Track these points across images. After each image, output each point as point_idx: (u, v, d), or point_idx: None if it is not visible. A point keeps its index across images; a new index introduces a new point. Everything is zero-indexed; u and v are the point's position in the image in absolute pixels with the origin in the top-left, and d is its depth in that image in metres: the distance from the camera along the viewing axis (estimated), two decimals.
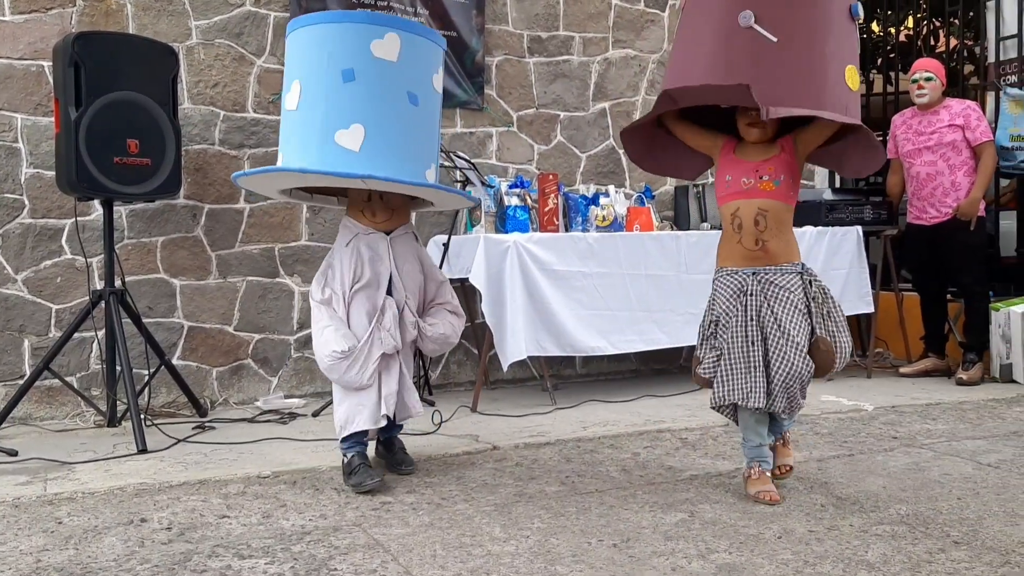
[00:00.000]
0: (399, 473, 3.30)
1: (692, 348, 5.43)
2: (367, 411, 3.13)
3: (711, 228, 5.25)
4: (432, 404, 4.46)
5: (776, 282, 2.90)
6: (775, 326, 2.87)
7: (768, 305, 2.89)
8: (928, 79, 5.19)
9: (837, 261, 5.25)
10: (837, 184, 6.33)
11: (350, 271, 3.15)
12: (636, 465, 3.39)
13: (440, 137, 3.23)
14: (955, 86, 6.41)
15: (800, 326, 2.87)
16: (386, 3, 4.92)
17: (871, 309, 5.38)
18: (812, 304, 2.92)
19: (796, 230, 5.14)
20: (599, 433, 3.88)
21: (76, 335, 4.10)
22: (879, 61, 7.53)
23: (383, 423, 3.19)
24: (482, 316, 4.55)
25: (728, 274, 2.98)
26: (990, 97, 5.86)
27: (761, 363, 2.88)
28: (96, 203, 4.20)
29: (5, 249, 4.19)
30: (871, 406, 4.45)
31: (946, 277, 5.31)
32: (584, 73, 5.52)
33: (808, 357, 2.87)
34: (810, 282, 2.94)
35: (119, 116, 3.81)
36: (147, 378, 4.15)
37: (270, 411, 4.42)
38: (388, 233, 3.24)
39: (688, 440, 3.81)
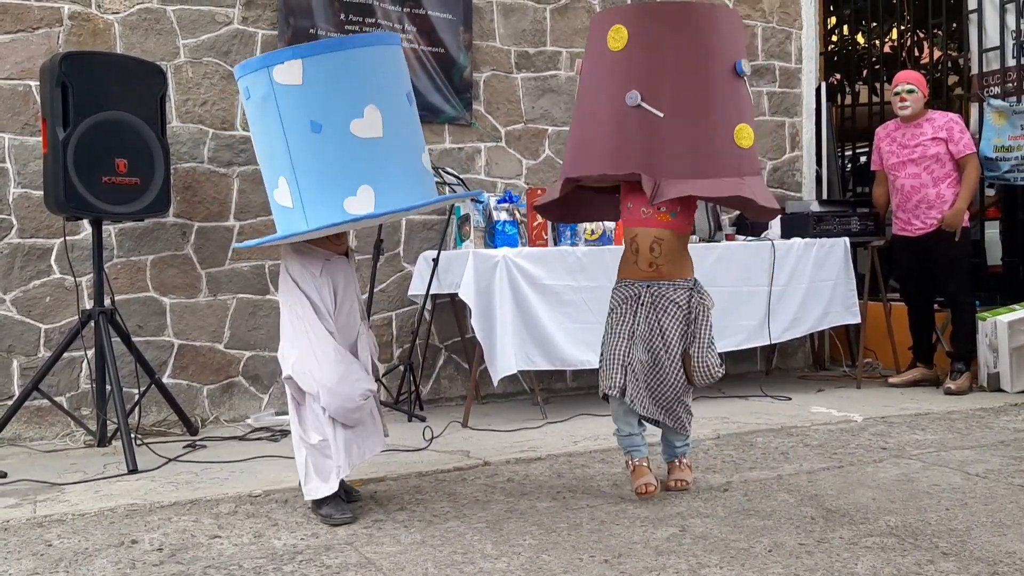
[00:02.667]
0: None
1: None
2: (342, 457, 2.96)
3: (699, 241, 5.27)
4: (423, 420, 4.46)
5: (666, 295, 3.16)
6: (659, 336, 3.14)
7: (656, 317, 3.15)
8: (910, 91, 5.23)
9: (824, 272, 5.29)
10: (824, 196, 6.37)
11: (332, 301, 3.01)
12: (627, 479, 3.38)
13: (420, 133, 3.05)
14: (939, 97, 6.46)
15: (677, 337, 3.14)
16: (373, 20, 4.95)
17: (858, 320, 5.41)
18: (692, 324, 3.17)
19: (784, 242, 5.21)
20: (590, 447, 3.88)
21: (65, 355, 4.08)
22: (864, 72, 7.59)
23: (347, 475, 3.05)
24: (472, 331, 4.55)
25: (625, 285, 3.23)
26: (974, 108, 5.91)
27: (639, 364, 3.13)
28: (85, 222, 4.19)
29: None
30: (860, 417, 4.47)
31: (933, 287, 5.35)
32: (572, 88, 5.54)
33: (681, 371, 3.15)
34: (692, 296, 3.19)
35: (107, 135, 3.82)
36: (137, 397, 4.14)
37: (261, 428, 4.42)
38: (347, 255, 3.16)
39: None
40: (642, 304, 3.16)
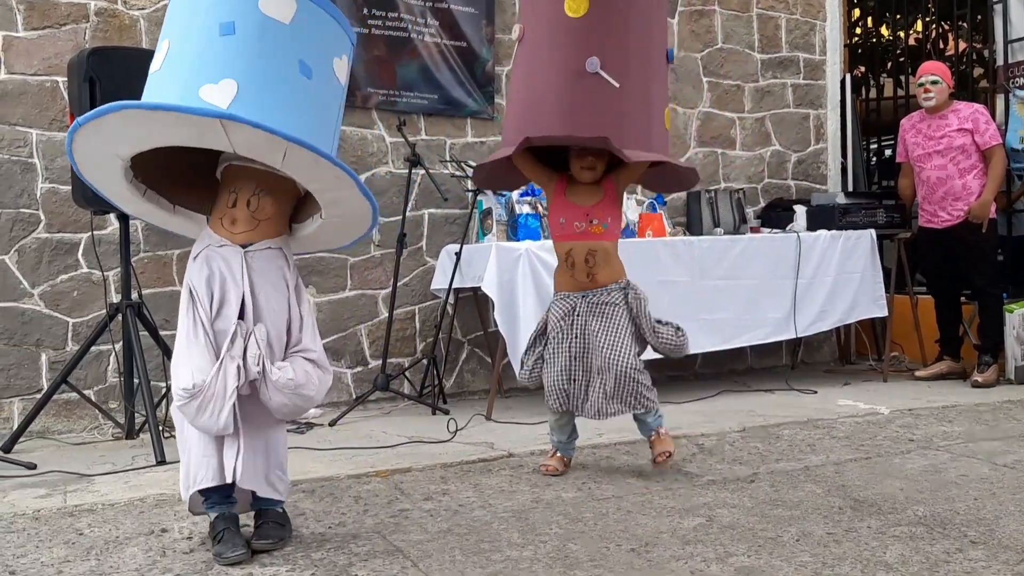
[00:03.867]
0: (251, 547, 2.57)
1: (707, 355, 5.46)
2: (214, 463, 2.55)
3: (724, 233, 5.25)
4: (447, 412, 4.47)
5: (602, 300, 3.31)
6: (603, 335, 3.27)
7: (596, 320, 3.29)
8: (934, 82, 5.19)
9: (851, 265, 5.25)
10: (850, 188, 6.32)
11: (206, 290, 2.56)
12: (653, 471, 3.38)
13: (338, 135, 2.69)
14: (965, 89, 6.40)
15: (625, 333, 3.28)
16: (396, 15, 4.96)
17: (885, 313, 5.37)
18: (633, 314, 3.33)
19: (810, 234, 5.18)
20: (615, 440, 3.88)
21: (93, 348, 4.12)
22: (888, 65, 7.53)
23: (228, 480, 2.55)
24: (495, 324, 4.56)
25: (561, 298, 3.37)
26: (1000, 99, 5.85)
27: (581, 375, 3.29)
28: (112, 217, 4.23)
29: (22, 264, 4.23)
30: (887, 409, 4.44)
31: (959, 280, 5.30)
32: None
33: (637, 356, 3.30)
34: (631, 294, 3.34)
35: None
36: (164, 390, 4.16)
37: (287, 421, 4.43)
38: (244, 247, 2.61)
39: (705, 446, 3.80)
40: (578, 315, 3.30)
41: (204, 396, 2.46)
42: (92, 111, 2.35)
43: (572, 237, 3.29)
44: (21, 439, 3.92)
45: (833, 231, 5.25)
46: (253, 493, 2.65)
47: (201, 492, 2.59)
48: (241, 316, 2.56)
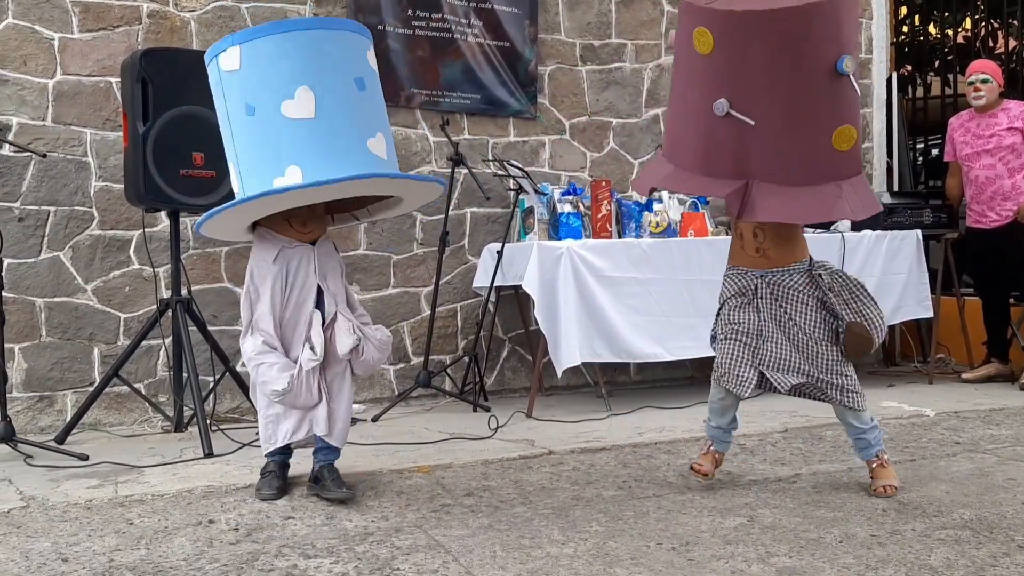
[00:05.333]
0: (329, 500, 3.04)
1: None
2: (290, 424, 3.05)
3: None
4: (488, 410, 4.50)
5: (784, 283, 3.03)
6: (794, 327, 3.02)
7: (783, 308, 3.04)
8: (984, 81, 5.11)
9: (896, 265, 5.19)
10: (896, 187, 6.24)
11: (281, 290, 3.02)
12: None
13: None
14: (1015, 87, 6.28)
15: (816, 322, 3.01)
16: (440, 15, 5.00)
17: (931, 314, 5.30)
18: (830, 295, 3.01)
19: (855, 234, 5.13)
20: (655, 439, 3.88)
21: (144, 343, 4.22)
22: (936, 63, 7.41)
23: (319, 432, 3.07)
24: (536, 323, 4.58)
25: (737, 273, 3.12)
26: None
27: (752, 358, 3.05)
28: (163, 214, 4.32)
29: (75, 260, 4.34)
30: (933, 412, 4.38)
31: (1008, 281, 5.21)
32: (636, 80, 5.54)
33: (833, 347, 3.00)
34: (819, 275, 3.04)
35: (185, 130, 3.92)
36: (212, 384, 4.25)
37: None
38: (313, 243, 3.10)
39: (746, 446, 3.79)
40: (762, 298, 3.04)
41: (296, 389, 2.96)
42: (203, 217, 2.87)
43: None
44: (74, 431, 4.02)
45: (878, 231, 5.19)
46: (316, 448, 3.15)
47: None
48: (318, 303, 3.04)
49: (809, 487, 3.14)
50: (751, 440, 3.89)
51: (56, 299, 4.30)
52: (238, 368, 4.45)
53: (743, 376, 3.04)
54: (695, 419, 4.32)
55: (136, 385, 4.28)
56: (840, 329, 3.01)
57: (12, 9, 4.22)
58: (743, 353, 3.05)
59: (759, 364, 3.05)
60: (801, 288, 3.02)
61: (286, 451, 3.17)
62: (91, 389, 4.18)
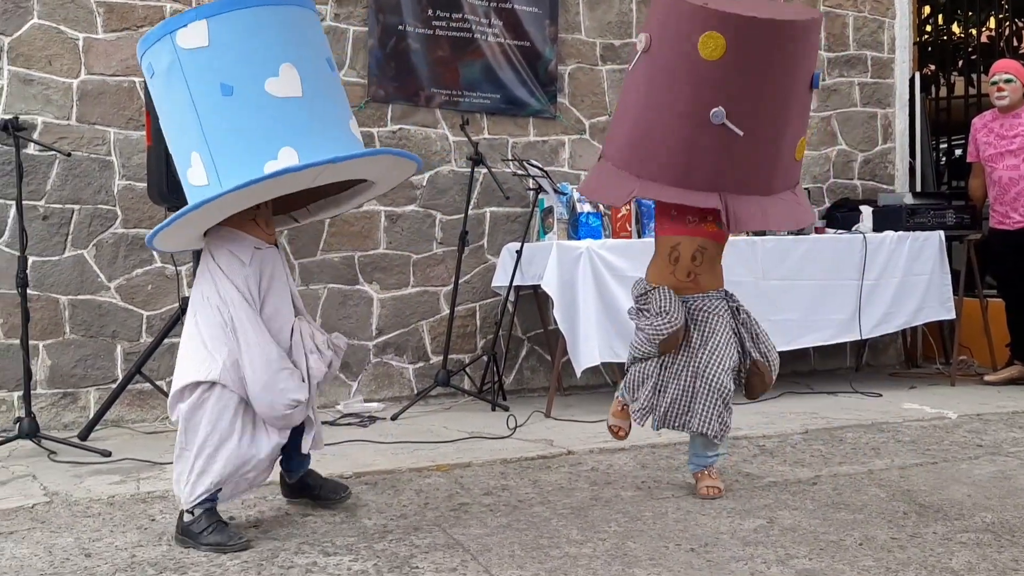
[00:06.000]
0: (331, 504, 2.95)
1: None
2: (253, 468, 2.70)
3: (788, 234, 5.19)
4: (506, 409, 4.51)
5: (704, 307, 3.02)
6: (702, 346, 2.99)
7: (697, 328, 3.01)
8: (1008, 81, 5.07)
9: (918, 266, 5.15)
10: (918, 188, 6.20)
11: (256, 296, 2.71)
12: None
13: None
14: None
15: (727, 345, 2.99)
16: (460, 15, 5.01)
17: (953, 315, 5.26)
18: (742, 328, 3.05)
19: (876, 235, 5.10)
20: (675, 439, 3.87)
21: (166, 341, 4.25)
22: (960, 63, 7.36)
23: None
24: (555, 323, 4.58)
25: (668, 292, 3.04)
26: None
27: (674, 388, 3.01)
28: None
29: (99, 258, 4.38)
30: (955, 414, 4.35)
31: None
32: None
33: (730, 375, 2.98)
34: (737, 308, 3.07)
35: None
36: None
37: (350, 414, 4.53)
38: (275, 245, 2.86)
39: (766, 447, 3.78)
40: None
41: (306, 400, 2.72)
42: (162, 224, 2.55)
43: (682, 231, 2.99)
44: (97, 427, 4.07)
45: (900, 232, 5.16)
46: (289, 461, 2.91)
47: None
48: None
49: (829, 489, 3.12)
50: (771, 441, 3.87)
51: (80, 297, 4.34)
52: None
53: (643, 405, 3.06)
54: None
55: (158, 382, 4.32)
56: (744, 366, 3.04)
57: (37, 10, 4.27)
58: (648, 386, 3.05)
59: (658, 402, 3.05)
60: (720, 312, 3.01)
61: (213, 497, 2.69)
62: (114, 386, 4.22)
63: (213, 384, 2.62)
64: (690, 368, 3.00)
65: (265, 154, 2.49)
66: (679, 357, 3.03)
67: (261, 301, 2.72)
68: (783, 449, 3.74)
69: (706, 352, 2.98)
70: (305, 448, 2.84)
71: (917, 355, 6.04)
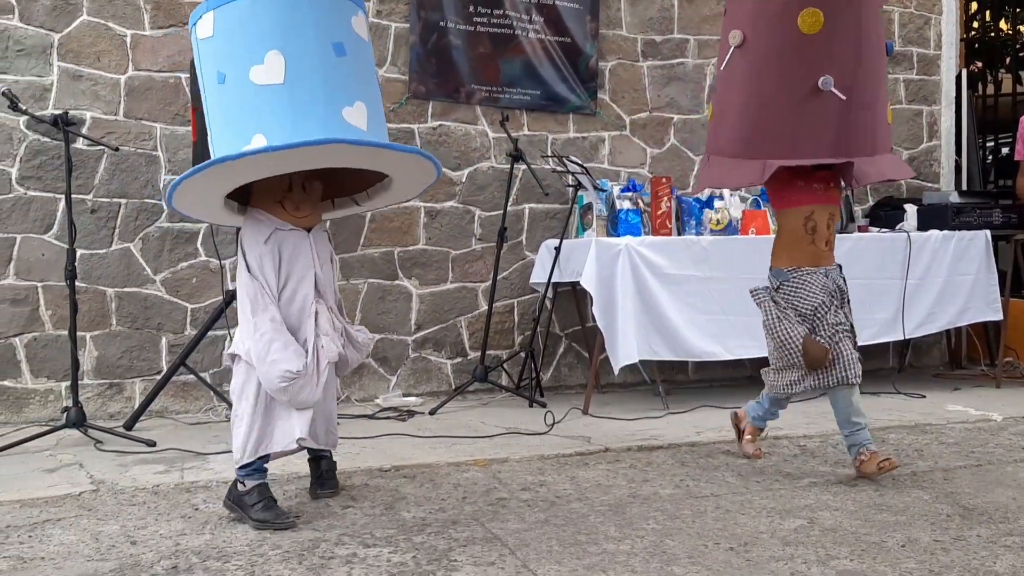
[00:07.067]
0: (315, 496, 3.01)
1: None
2: (280, 432, 2.79)
3: None
4: (544, 406, 4.51)
5: (838, 284, 3.24)
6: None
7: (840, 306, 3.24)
8: None
9: (963, 266, 5.07)
10: (964, 187, 6.10)
11: (274, 273, 2.79)
12: (752, 471, 3.36)
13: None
14: None
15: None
16: (501, 11, 5.02)
17: (999, 316, 5.17)
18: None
19: (921, 234, 5.03)
20: (714, 438, 3.85)
21: (209, 333, 4.32)
22: (1007, 60, 7.22)
23: (293, 448, 2.85)
24: (593, 319, 4.57)
25: (808, 273, 3.20)
26: None
27: (853, 344, 3.21)
28: None
29: (145, 251, 4.46)
30: (1000, 416, 4.28)
31: None
32: (699, 76, 5.50)
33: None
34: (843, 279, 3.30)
35: None
36: None
37: (389, 408, 4.56)
38: (308, 230, 2.88)
39: (807, 447, 3.75)
40: (834, 292, 3.21)
41: (306, 377, 2.72)
42: (174, 182, 2.58)
43: (813, 199, 3.18)
44: (141, 418, 4.14)
45: (945, 231, 5.08)
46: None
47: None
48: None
49: (871, 490, 3.09)
50: (812, 442, 3.84)
51: (126, 289, 4.42)
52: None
53: (858, 368, 3.19)
54: None
55: (202, 374, 4.38)
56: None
57: (87, 7, 4.35)
58: (850, 345, 3.18)
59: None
60: (846, 287, 3.26)
61: (264, 468, 2.84)
62: (159, 377, 4.29)
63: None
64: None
65: (241, 140, 2.57)
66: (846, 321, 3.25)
67: (282, 281, 2.80)
68: (824, 449, 3.71)
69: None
70: (297, 428, 2.77)
71: (962, 356, 5.95)
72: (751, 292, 3.36)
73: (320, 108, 2.59)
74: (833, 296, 3.20)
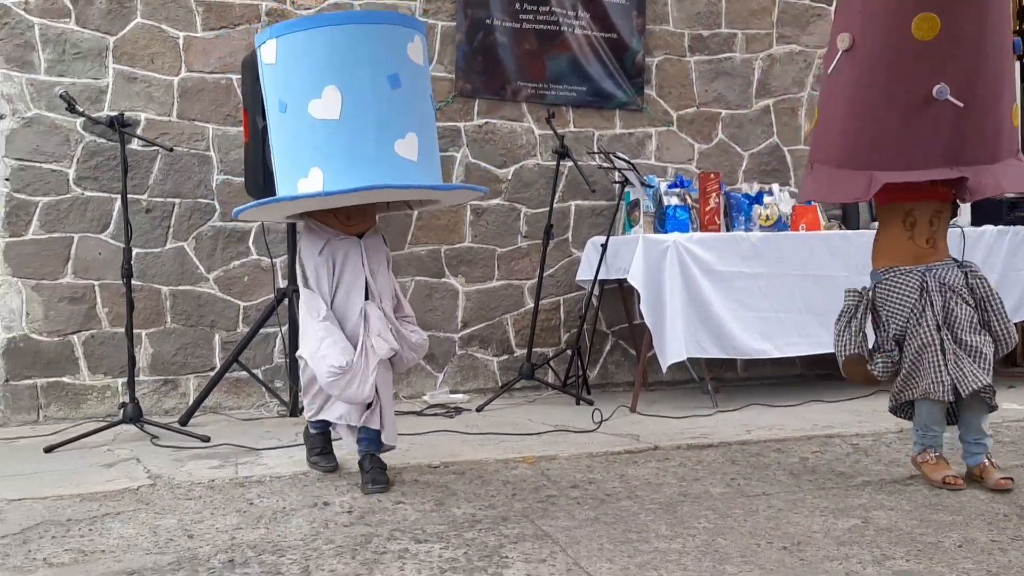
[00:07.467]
0: (367, 491, 3.05)
1: None
2: (342, 408, 3.07)
3: None
4: (591, 403, 4.51)
5: (947, 279, 3.03)
6: (956, 324, 3.00)
7: (947, 305, 3.01)
8: None
9: (1018, 262, 4.97)
10: None
11: (327, 279, 3.04)
12: (805, 470, 3.32)
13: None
14: None
15: (974, 319, 3.02)
16: (547, 8, 5.01)
17: None
18: (978, 299, 3.06)
19: (975, 229, 4.94)
20: (764, 437, 3.82)
21: (261, 330, 4.38)
22: None
23: (353, 422, 3.08)
24: (640, 316, 4.56)
25: (901, 274, 3.05)
26: None
27: (944, 360, 2.97)
28: None
29: (198, 250, 4.53)
30: None
31: None
32: (747, 70, 5.44)
33: (990, 341, 3.02)
34: (967, 274, 3.08)
35: None
36: None
37: (436, 405, 4.59)
38: (360, 236, 3.12)
39: (860, 446, 3.70)
40: (931, 291, 3.01)
41: (352, 372, 2.94)
42: (243, 207, 2.94)
43: (914, 196, 3.02)
44: (196, 413, 4.21)
45: (1000, 226, 4.98)
46: (360, 438, 3.14)
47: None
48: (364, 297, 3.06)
49: (926, 489, 3.04)
50: (864, 440, 3.79)
51: (180, 287, 4.50)
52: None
53: (945, 383, 2.97)
54: (805, 418, 4.23)
55: (254, 371, 4.45)
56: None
57: (140, 9, 4.43)
58: (939, 360, 2.98)
59: (949, 368, 2.98)
60: (961, 286, 3.03)
61: (324, 424, 3.25)
62: (212, 374, 4.37)
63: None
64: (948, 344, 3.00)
65: (299, 171, 2.77)
66: (940, 330, 3.00)
67: (336, 286, 3.04)
68: (877, 448, 3.66)
69: (961, 326, 3.00)
70: (366, 421, 3.06)
71: (1017, 354, 5.82)
72: (845, 292, 3.19)
73: (372, 146, 2.75)
74: (935, 295, 3.00)
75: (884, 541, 2.54)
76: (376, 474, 3.09)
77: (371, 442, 3.12)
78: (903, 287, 3.05)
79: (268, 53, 2.82)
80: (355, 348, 2.97)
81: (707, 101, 5.38)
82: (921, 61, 2.82)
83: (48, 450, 3.64)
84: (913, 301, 3.03)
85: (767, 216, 4.84)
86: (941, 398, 2.97)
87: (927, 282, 3.03)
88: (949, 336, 2.99)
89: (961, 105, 2.81)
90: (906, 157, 2.90)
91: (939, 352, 2.97)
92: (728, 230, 4.85)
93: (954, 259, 3.12)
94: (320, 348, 2.94)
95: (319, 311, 3.01)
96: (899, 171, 2.91)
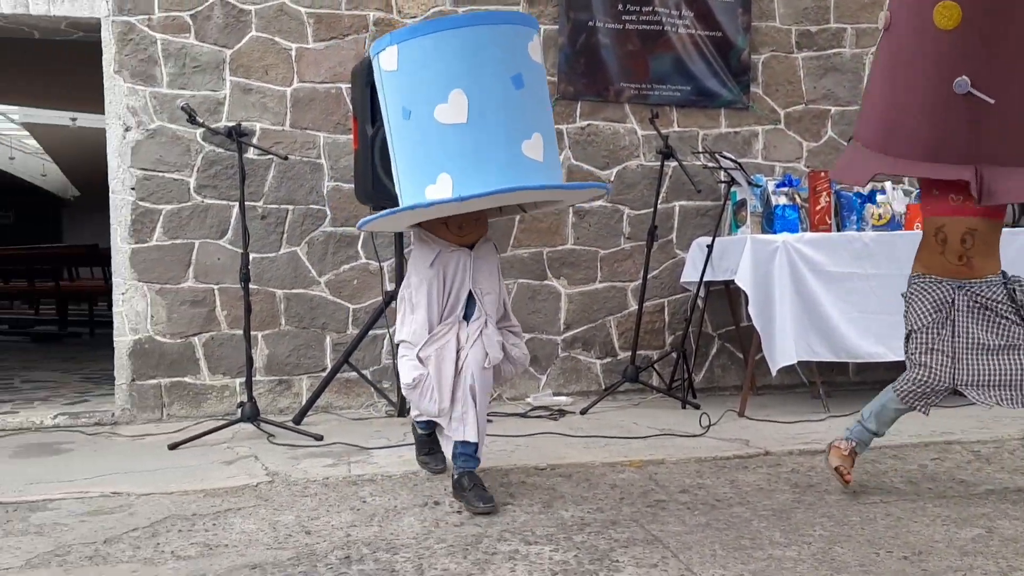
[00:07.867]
0: (476, 511, 2.89)
1: None
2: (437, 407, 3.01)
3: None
4: (697, 407, 4.45)
5: (984, 294, 2.86)
6: (993, 339, 2.86)
7: (980, 323, 2.87)
8: None
9: None
10: None
11: (439, 294, 3.00)
12: (924, 477, 3.21)
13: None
14: None
15: (1017, 336, 2.85)
16: (651, 8, 4.98)
17: None
18: (1015, 308, 2.87)
19: (1013, 230, 4.70)
20: (880, 443, 3.68)
21: (370, 332, 4.48)
22: None
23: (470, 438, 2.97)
24: (747, 319, 4.48)
25: (932, 282, 2.92)
26: None
27: (947, 380, 2.90)
28: None
29: (310, 254, 4.67)
30: None
31: None
32: (857, 66, 5.29)
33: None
34: (1014, 290, 2.88)
35: None
36: None
37: (540, 407, 4.61)
38: (471, 246, 3.07)
39: (981, 453, 3.55)
40: (958, 310, 2.88)
41: (421, 388, 2.96)
42: (365, 219, 2.92)
43: (946, 211, 2.87)
44: (309, 413, 4.34)
45: None
46: (456, 452, 3.03)
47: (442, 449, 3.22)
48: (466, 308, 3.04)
49: None
50: (986, 447, 3.64)
51: (294, 291, 4.65)
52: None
53: (932, 401, 2.95)
54: (923, 423, 4.08)
55: (363, 371, 4.56)
56: None
57: (255, 23, 4.59)
58: (939, 376, 2.90)
59: (956, 383, 2.89)
60: (1001, 301, 2.85)
61: (429, 424, 3.24)
62: (324, 374, 4.49)
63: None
64: (988, 355, 2.88)
65: (427, 178, 2.73)
66: (950, 348, 2.90)
67: (444, 299, 3.02)
68: (1000, 455, 3.51)
69: (998, 343, 2.87)
70: (452, 432, 2.98)
71: None
72: (902, 295, 3.10)
73: (502, 149, 2.71)
74: (961, 316, 2.87)
75: (1010, 552, 2.44)
76: (479, 491, 2.94)
77: (469, 458, 2.99)
78: (926, 295, 2.92)
79: (388, 60, 2.78)
80: (447, 363, 2.93)
81: (815, 98, 5.25)
82: (942, 52, 2.67)
83: (173, 447, 3.81)
84: (931, 312, 2.91)
85: (880, 215, 4.69)
86: (913, 406, 2.96)
87: (957, 299, 2.88)
88: (977, 353, 2.86)
89: (991, 101, 2.63)
90: (924, 148, 2.74)
91: (931, 370, 2.90)
92: (839, 230, 4.72)
93: (1003, 273, 2.91)
94: (400, 363, 3.05)
95: (412, 321, 3.02)
96: (915, 161, 2.77)
